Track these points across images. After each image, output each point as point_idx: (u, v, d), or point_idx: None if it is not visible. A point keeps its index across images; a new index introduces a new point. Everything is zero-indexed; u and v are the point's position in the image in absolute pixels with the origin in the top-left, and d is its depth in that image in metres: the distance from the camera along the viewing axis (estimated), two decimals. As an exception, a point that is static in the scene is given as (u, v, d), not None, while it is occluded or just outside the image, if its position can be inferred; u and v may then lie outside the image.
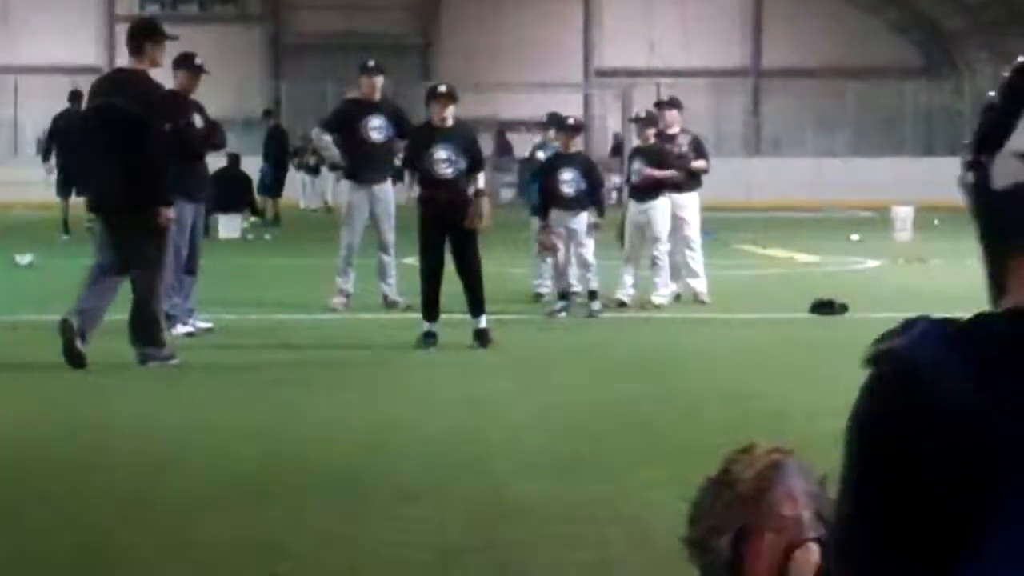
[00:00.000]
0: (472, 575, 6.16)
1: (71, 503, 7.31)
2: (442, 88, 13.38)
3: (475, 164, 13.08)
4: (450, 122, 13.05)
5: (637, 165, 16.02)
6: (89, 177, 12.00)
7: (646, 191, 15.85)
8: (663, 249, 15.82)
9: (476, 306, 12.67)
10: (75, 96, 27.29)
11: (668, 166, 15.92)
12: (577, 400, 10.17)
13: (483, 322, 12.64)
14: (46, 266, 20.15)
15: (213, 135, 13.83)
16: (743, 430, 9.10)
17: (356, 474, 7.87)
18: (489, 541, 6.55)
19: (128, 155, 11.43)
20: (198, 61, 13.80)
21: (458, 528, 6.76)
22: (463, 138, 13.16)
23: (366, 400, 10.26)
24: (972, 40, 47.77)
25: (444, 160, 12.83)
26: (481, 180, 13.14)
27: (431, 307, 12.71)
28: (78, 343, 11.21)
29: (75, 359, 11.22)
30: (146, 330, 11.46)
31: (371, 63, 16.03)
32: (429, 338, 12.66)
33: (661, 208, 15.85)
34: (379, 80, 15.86)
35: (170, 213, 11.59)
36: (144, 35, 11.94)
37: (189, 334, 12.99)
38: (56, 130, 26.80)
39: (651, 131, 16.20)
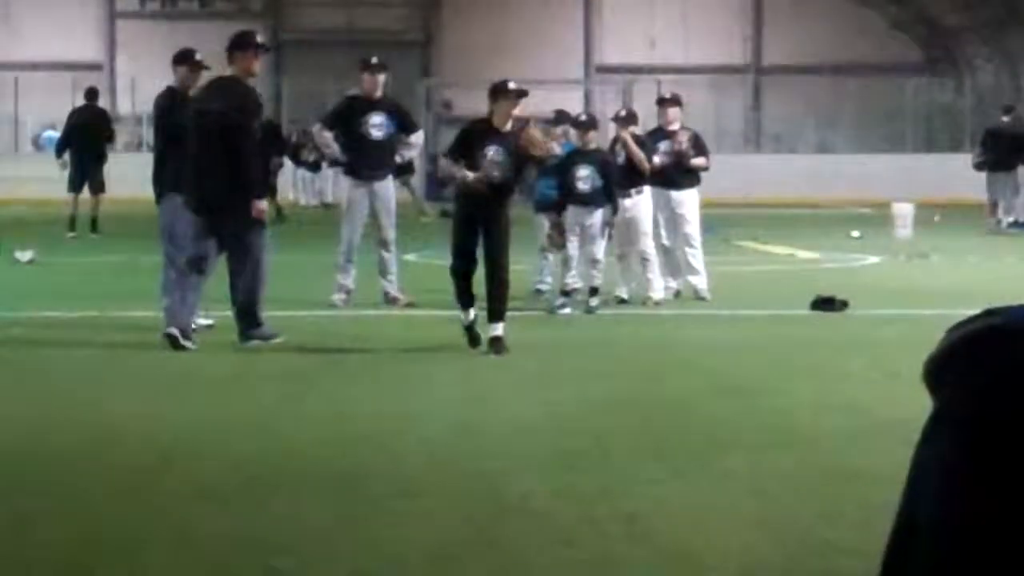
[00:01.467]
0: (472, 572, 6.15)
1: (71, 498, 7.31)
2: (512, 85, 12.69)
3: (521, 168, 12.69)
4: (510, 125, 12.54)
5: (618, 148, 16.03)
6: (190, 179, 12.68)
7: (625, 182, 15.71)
8: (650, 244, 15.82)
9: (495, 313, 12.25)
10: (92, 93, 27.25)
11: (647, 156, 15.89)
12: (578, 396, 10.16)
13: (499, 330, 12.20)
14: (46, 263, 20.14)
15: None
16: (743, 427, 9.10)
17: (356, 470, 7.87)
18: (489, 538, 6.54)
19: (225, 156, 12.30)
20: (198, 57, 13.81)
21: (458, 525, 6.75)
22: (513, 143, 12.47)
23: (366, 396, 10.26)
24: (972, 37, 47.72)
25: (496, 162, 12.42)
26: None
27: (465, 296, 12.34)
28: (186, 344, 12.21)
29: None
30: (249, 318, 12.55)
31: (373, 60, 16.02)
32: (471, 331, 12.26)
33: (641, 205, 15.84)
34: (380, 77, 15.84)
35: (262, 205, 12.62)
36: (233, 45, 12.78)
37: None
38: (71, 127, 26.68)
39: (633, 129, 16.20)
